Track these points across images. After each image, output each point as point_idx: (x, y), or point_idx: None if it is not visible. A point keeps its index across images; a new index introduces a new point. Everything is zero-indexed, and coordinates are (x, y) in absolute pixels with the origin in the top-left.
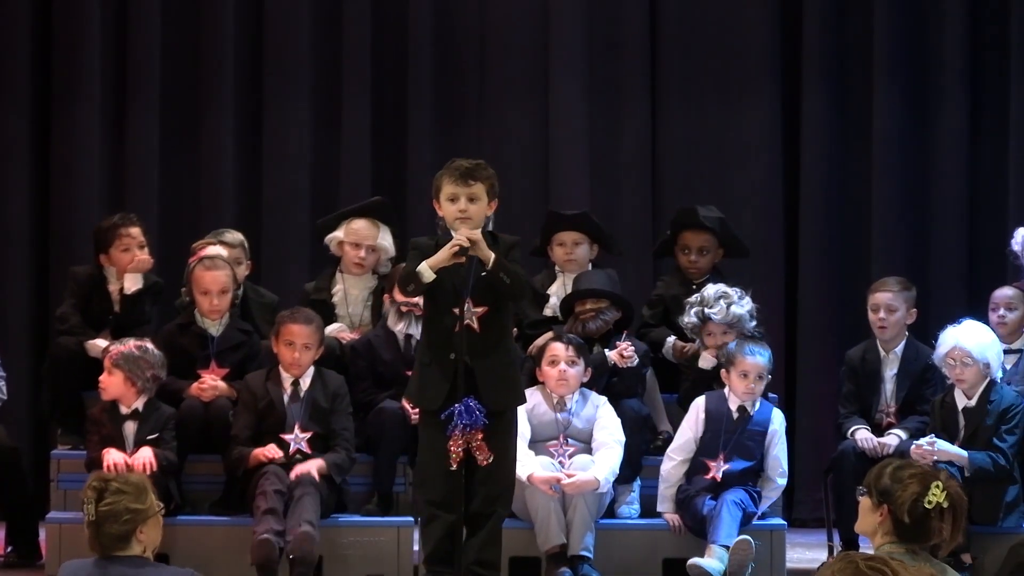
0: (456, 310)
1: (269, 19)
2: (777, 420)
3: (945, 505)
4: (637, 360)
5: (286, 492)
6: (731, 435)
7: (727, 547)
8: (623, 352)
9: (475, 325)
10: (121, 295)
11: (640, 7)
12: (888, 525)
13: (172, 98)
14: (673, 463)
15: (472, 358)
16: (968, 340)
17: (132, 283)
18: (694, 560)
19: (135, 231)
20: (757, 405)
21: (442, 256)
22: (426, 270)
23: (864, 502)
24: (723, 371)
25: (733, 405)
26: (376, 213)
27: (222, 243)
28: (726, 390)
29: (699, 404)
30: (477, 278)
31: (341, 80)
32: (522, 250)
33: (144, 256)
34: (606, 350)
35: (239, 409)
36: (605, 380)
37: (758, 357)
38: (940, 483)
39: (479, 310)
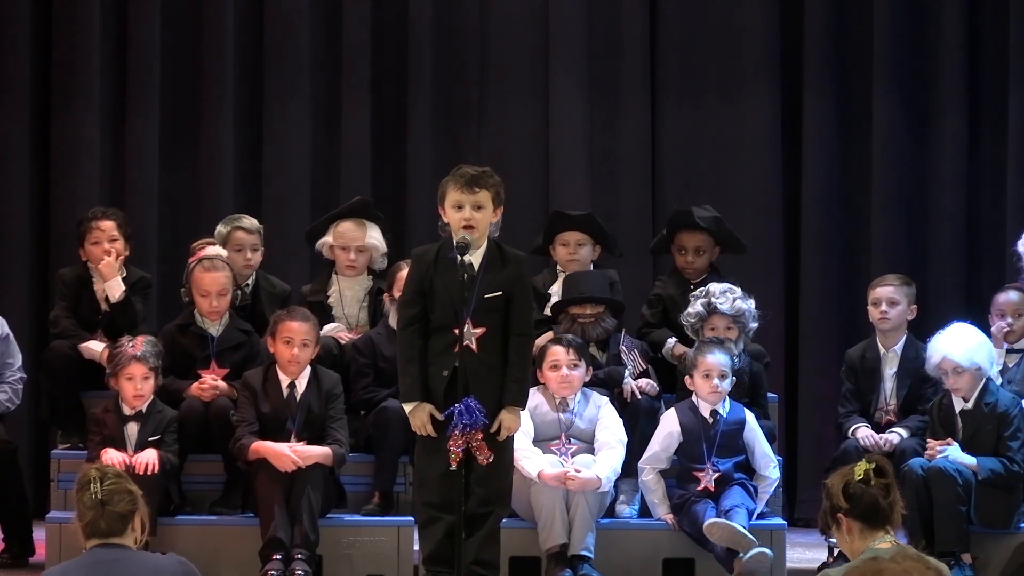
0: (456, 330)
1: (269, 19)
2: (749, 417)
3: (875, 474)
4: (656, 391)
5: (289, 488)
6: (712, 440)
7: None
8: (643, 389)
9: (473, 346)
10: (108, 301)
11: (640, 7)
12: (854, 527)
13: (172, 98)
14: (648, 475)
15: (469, 378)
16: (955, 350)
17: (115, 289)
18: (717, 520)
19: (107, 225)
20: (727, 406)
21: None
22: (406, 405)
23: (835, 535)
24: (687, 378)
25: (705, 411)
26: (360, 213)
27: (240, 228)
28: (694, 397)
29: (670, 418)
30: (479, 299)
31: (341, 80)
32: (522, 247)
33: (109, 258)
34: (627, 376)
35: (240, 401)
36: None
37: (718, 355)
38: (862, 463)
39: (478, 331)
